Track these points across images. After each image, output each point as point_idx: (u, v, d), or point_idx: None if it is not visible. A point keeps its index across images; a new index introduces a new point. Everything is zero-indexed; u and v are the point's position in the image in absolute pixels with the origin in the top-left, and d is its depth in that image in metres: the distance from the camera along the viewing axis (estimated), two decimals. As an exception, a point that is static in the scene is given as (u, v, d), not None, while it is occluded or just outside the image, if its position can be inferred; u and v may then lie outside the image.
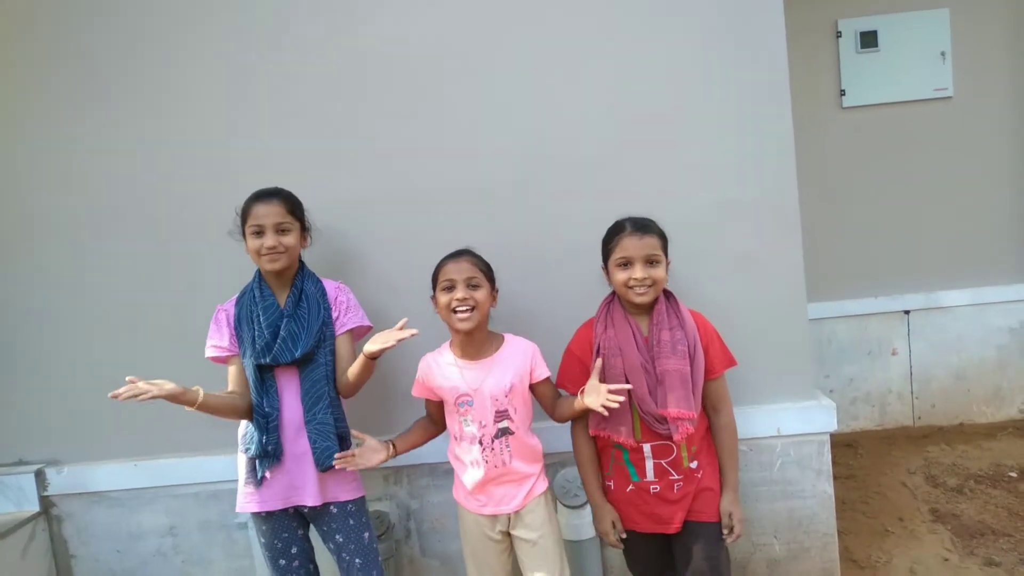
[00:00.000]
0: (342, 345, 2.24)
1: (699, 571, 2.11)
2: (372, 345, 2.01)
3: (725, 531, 2.11)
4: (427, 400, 2.24)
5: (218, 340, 2.20)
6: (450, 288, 2.07)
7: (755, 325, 2.52)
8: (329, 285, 2.27)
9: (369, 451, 2.11)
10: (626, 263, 2.08)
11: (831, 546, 2.63)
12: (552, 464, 2.26)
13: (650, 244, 2.07)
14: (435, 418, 2.26)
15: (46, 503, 2.76)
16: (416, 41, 2.55)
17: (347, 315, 2.25)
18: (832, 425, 2.55)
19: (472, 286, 2.06)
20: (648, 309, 2.14)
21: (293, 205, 2.20)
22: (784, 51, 2.49)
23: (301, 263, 2.26)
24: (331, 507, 2.18)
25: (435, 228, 2.55)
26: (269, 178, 2.30)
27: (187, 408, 1.99)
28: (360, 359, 2.09)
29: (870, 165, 4.20)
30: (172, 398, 1.94)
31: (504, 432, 2.09)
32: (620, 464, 2.16)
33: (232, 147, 2.61)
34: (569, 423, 2.24)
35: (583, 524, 2.48)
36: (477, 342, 2.13)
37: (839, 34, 4.16)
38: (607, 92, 2.53)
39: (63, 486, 2.74)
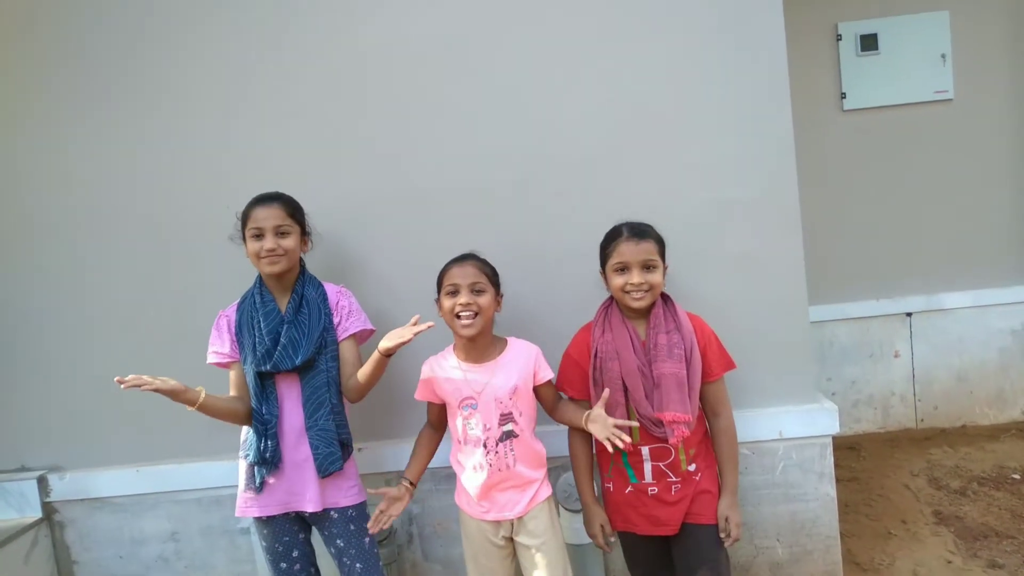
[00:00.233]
0: (346, 350, 2.23)
1: (698, 573, 2.11)
2: (387, 341, 1.98)
3: (723, 535, 2.11)
4: (429, 404, 2.24)
5: (219, 346, 2.20)
6: (454, 293, 2.06)
7: (756, 327, 2.52)
8: (330, 289, 2.26)
9: (393, 502, 2.11)
10: (623, 268, 2.09)
11: (834, 549, 2.62)
12: (554, 468, 2.26)
13: (647, 249, 2.08)
14: (436, 423, 2.25)
15: (48, 509, 2.76)
16: (416, 41, 2.56)
17: (349, 319, 2.25)
18: (834, 428, 2.54)
19: (476, 291, 2.06)
20: (645, 313, 2.15)
21: (293, 208, 2.20)
22: (784, 51, 2.49)
23: (302, 267, 2.26)
24: (332, 512, 2.18)
25: (436, 229, 2.56)
26: (269, 179, 2.31)
27: (188, 408, 1.98)
28: (374, 357, 2.06)
29: (871, 167, 4.20)
30: (173, 394, 1.93)
31: (508, 435, 2.08)
32: (619, 466, 2.17)
33: (232, 148, 2.62)
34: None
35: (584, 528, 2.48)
36: (481, 346, 2.13)
37: (839, 37, 4.16)
38: (607, 92, 2.54)
39: (65, 492, 2.74)
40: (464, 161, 2.57)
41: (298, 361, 2.11)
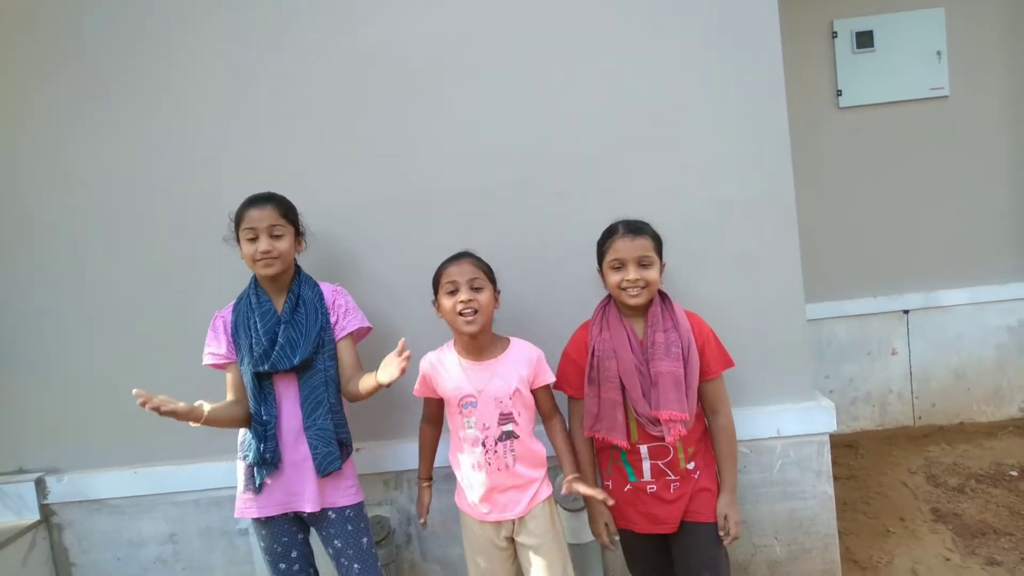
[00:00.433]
0: (344, 349, 2.23)
1: (697, 571, 2.12)
2: (385, 377, 1.95)
3: (721, 533, 2.11)
4: (426, 400, 2.24)
5: (215, 348, 2.20)
6: (453, 291, 2.07)
7: (753, 325, 2.52)
8: (326, 288, 2.26)
9: (427, 495, 2.31)
10: (619, 265, 2.10)
11: (832, 547, 2.62)
12: (554, 468, 2.25)
13: (642, 246, 2.09)
14: (433, 418, 2.26)
15: (46, 511, 2.76)
16: (415, 41, 2.56)
17: (346, 319, 2.25)
18: (832, 426, 2.55)
19: (475, 288, 2.07)
20: (643, 311, 2.15)
21: (287, 209, 2.20)
22: (779, 51, 2.49)
23: (297, 267, 2.26)
24: (329, 512, 2.18)
25: (435, 229, 2.56)
26: (268, 179, 2.30)
27: (192, 424, 1.95)
28: (373, 383, 2.02)
29: (867, 165, 4.20)
30: (178, 416, 1.89)
31: (508, 435, 2.08)
32: (618, 464, 2.18)
33: (232, 148, 2.62)
34: (568, 427, 2.26)
35: (583, 527, 2.47)
36: (482, 344, 2.13)
37: (835, 34, 4.16)
38: (606, 92, 2.54)
39: (63, 494, 2.74)
40: (463, 161, 2.57)
41: (296, 361, 2.11)
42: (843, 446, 4.06)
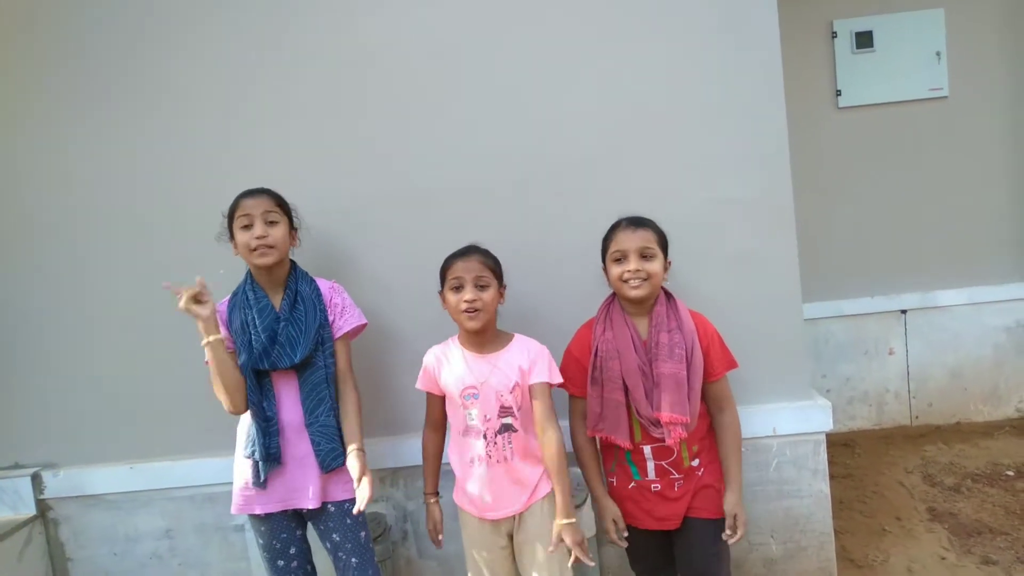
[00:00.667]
0: (338, 350, 2.24)
1: (698, 567, 2.13)
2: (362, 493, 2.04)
3: (729, 531, 2.09)
4: (429, 400, 2.22)
5: None
6: (459, 288, 2.06)
7: (750, 325, 2.52)
8: (323, 285, 2.26)
9: (437, 512, 2.23)
10: (620, 257, 2.09)
11: (828, 545, 2.63)
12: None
13: (644, 237, 2.08)
14: (437, 421, 2.23)
15: (42, 506, 2.76)
16: (415, 41, 2.55)
17: (343, 317, 2.25)
18: (828, 424, 2.55)
19: (480, 286, 2.06)
20: (647, 310, 2.14)
21: (280, 200, 2.20)
22: (778, 51, 2.49)
23: (293, 263, 2.26)
24: (328, 506, 2.17)
25: (434, 228, 2.55)
26: (266, 178, 2.28)
27: (205, 338, 1.99)
28: (356, 466, 2.10)
29: (866, 165, 4.21)
30: (200, 316, 1.97)
31: (507, 428, 2.08)
32: (623, 464, 2.18)
33: (231, 147, 2.61)
34: (569, 426, 2.26)
35: (580, 524, 2.48)
36: (485, 338, 2.13)
37: (835, 34, 4.17)
38: (605, 92, 2.53)
39: (59, 489, 2.73)
40: (463, 160, 2.57)
41: (297, 359, 2.11)
42: (840, 445, 4.07)
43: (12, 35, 2.65)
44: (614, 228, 2.15)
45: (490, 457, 2.07)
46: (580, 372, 2.19)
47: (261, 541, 2.19)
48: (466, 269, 2.07)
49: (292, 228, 2.23)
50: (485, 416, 2.07)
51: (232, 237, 2.17)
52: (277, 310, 2.16)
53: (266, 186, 2.22)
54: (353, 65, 2.57)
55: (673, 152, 2.53)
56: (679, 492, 2.13)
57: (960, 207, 4.20)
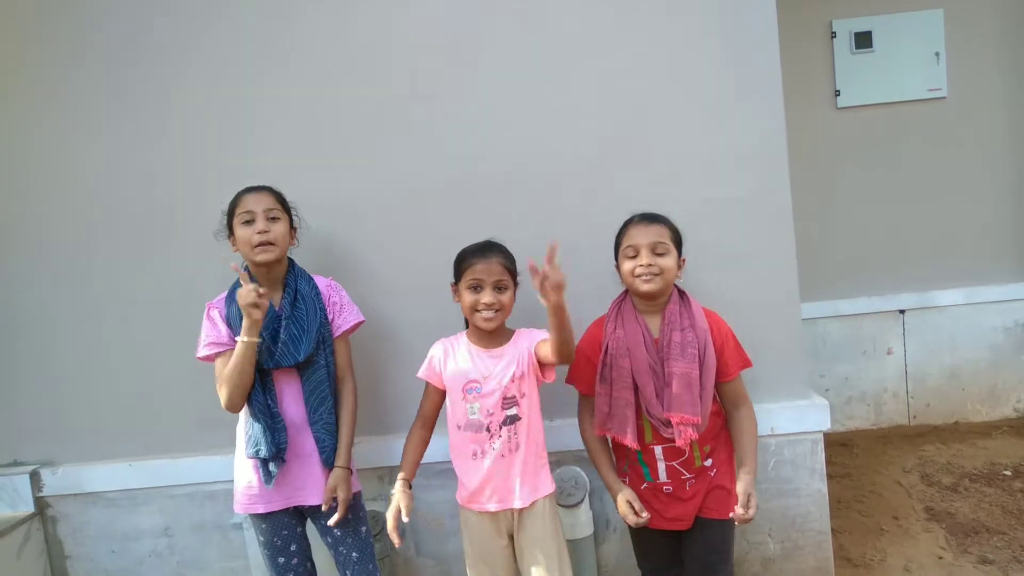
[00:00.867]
0: (340, 347, 2.25)
1: (707, 566, 2.12)
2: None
3: (741, 509, 1.99)
4: (426, 393, 2.21)
5: (216, 336, 2.13)
6: (477, 288, 2.06)
7: (748, 324, 2.50)
8: (320, 282, 2.26)
9: (406, 499, 2.07)
10: (633, 253, 2.06)
11: (825, 544, 2.63)
12: (556, 462, 2.25)
13: (656, 232, 2.05)
14: (429, 416, 2.22)
15: (41, 504, 2.76)
16: (410, 38, 2.56)
17: (342, 316, 2.26)
18: (825, 424, 2.55)
19: (499, 289, 2.06)
20: (659, 308, 2.11)
21: (281, 197, 2.21)
22: (777, 50, 2.49)
23: (291, 262, 2.26)
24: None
25: (431, 226, 2.56)
26: (265, 176, 2.29)
27: (245, 337, 2.00)
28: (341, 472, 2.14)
29: (864, 165, 4.21)
30: (252, 317, 1.98)
31: (512, 419, 2.07)
32: (635, 465, 2.15)
33: (229, 144, 2.61)
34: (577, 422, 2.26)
35: (578, 523, 2.49)
36: (494, 335, 2.14)
37: (834, 34, 4.17)
38: (603, 91, 2.53)
39: (58, 487, 2.74)
40: (461, 158, 2.57)
41: (301, 357, 2.11)
42: (838, 445, 4.07)
43: (11, 34, 2.65)
44: (627, 224, 2.13)
45: (493, 450, 2.06)
46: (590, 369, 2.16)
47: (262, 538, 2.19)
48: (487, 271, 2.05)
49: (292, 227, 2.23)
50: (487, 411, 2.07)
51: (231, 233, 2.17)
52: (277, 309, 2.16)
53: (264, 183, 2.22)
54: (351, 63, 2.57)
55: (671, 151, 2.53)
56: (691, 492, 2.11)
57: (958, 207, 4.21)
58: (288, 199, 2.24)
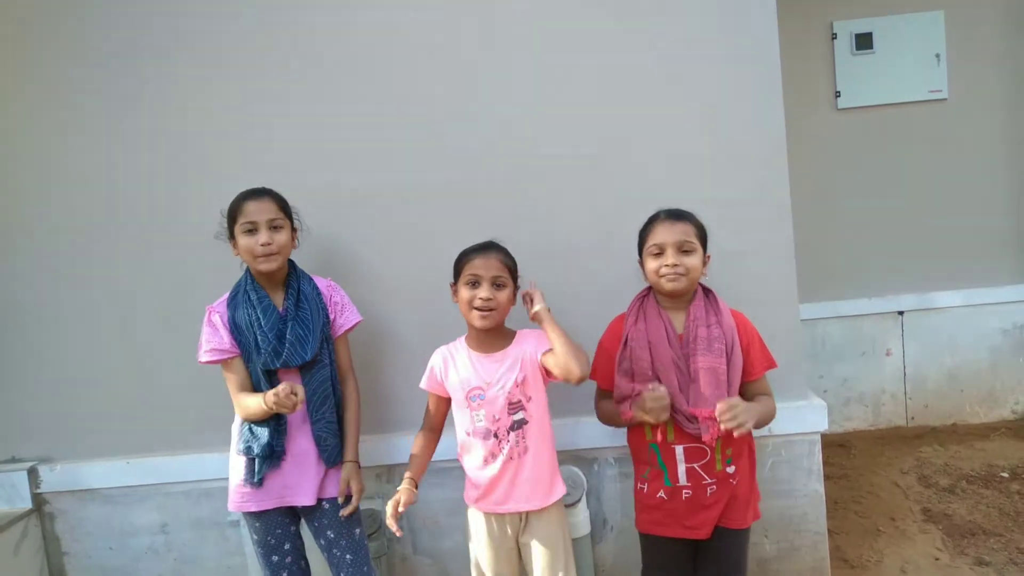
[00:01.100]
0: (341, 346, 2.27)
1: (720, 573, 2.10)
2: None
3: (723, 408, 1.86)
4: (430, 401, 2.21)
5: (217, 343, 2.13)
6: (475, 284, 2.04)
7: (747, 325, 2.52)
8: (320, 283, 2.26)
9: (408, 495, 2.04)
10: (658, 251, 2.02)
11: (821, 545, 2.63)
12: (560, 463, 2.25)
13: (683, 230, 2.02)
14: (435, 424, 2.22)
15: (39, 500, 2.76)
16: (408, 37, 2.55)
17: (343, 315, 2.27)
18: (823, 425, 2.55)
19: (497, 286, 2.05)
20: (684, 305, 2.08)
21: (283, 202, 2.20)
22: (777, 51, 2.49)
23: (292, 263, 2.26)
24: (323, 503, 2.18)
25: (430, 226, 2.56)
26: (264, 176, 2.29)
27: (267, 408, 1.99)
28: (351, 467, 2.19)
29: (865, 166, 4.21)
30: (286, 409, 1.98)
31: (520, 424, 2.05)
32: (654, 467, 2.08)
33: (228, 145, 2.61)
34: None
35: (575, 523, 2.49)
36: (493, 337, 2.12)
37: (834, 36, 4.17)
38: (603, 91, 2.53)
39: (56, 483, 2.74)
40: (459, 158, 2.57)
41: (308, 356, 2.11)
42: (836, 446, 4.07)
43: (10, 34, 2.65)
44: (652, 221, 2.09)
45: (501, 454, 2.04)
46: (610, 365, 2.13)
47: (256, 537, 2.20)
48: (485, 267, 2.04)
49: (293, 229, 2.23)
50: (493, 417, 2.05)
51: (232, 236, 2.16)
52: (280, 310, 2.16)
53: (262, 183, 2.22)
54: (351, 63, 2.57)
55: (671, 151, 2.53)
56: (711, 499, 2.03)
57: (958, 209, 4.21)
58: (289, 201, 2.23)
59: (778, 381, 2.55)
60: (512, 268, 2.11)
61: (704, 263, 2.06)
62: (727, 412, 1.85)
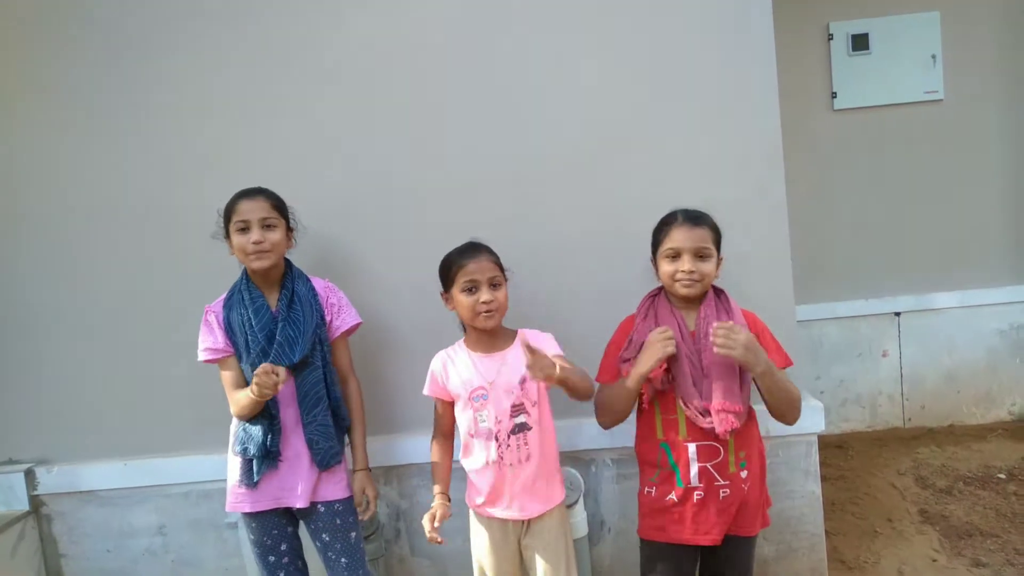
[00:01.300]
0: (338, 349, 2.26)
1: None
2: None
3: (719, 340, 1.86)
4: (437, 406, 2.20)
5: (212, 343, 2.15)
6: (472, 289, 2.04)
7: (744, 326, 2.52)
8: (317, 284, 2.26)
9: (443, 509, 2.04)
10: (674, 255, 2.00)
11: (819, 546, 2.64)
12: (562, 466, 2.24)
13: (700, 236, 1.99)
14: (446, 430, 2.21)
15: (36, 502, 2.76)
16: (408, 37, 2.56)
17: (340, 317, 2.26)
18: (820, 426, 2.56)
19: (494, 286, 2.05)
20: (696, 302, 2.06)
21: (278, 201, 2.20)
22: (773, 52, 2.50)
23: (289, 263, 2.26)
24: (319, 506, 2.18)
25: (429, 227, 2.56)
26: (263, 177, 2.29)
27: (254, 397, 1.99)
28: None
29: (861, 167, 4.22)
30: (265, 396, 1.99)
31: (521, 428, 2.04)
32: (665, 468, 2.04)
33: (226, 145, 2.61)
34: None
35: (574, 523, 2.48)
36: (493, 337, 2.12)
37: (831, 36, 4.18)
38: (600, 92, 2.54)
39: (53, 485, 2.73)
40: (457, 160, 2.57)
41: (295, 358, 2.11)
42: (833, 447, 4.08)
43: (11, 34, 2.65)
44: (669, 222, 2.04)
45: (503, 459, 2.03)
46: (616, 361, 2.10)
47: (252, 537, 2.20)
48: (479, 270, 2.03)
49: (289, 229, 2.23)
50: (496, 418, 2.04)
51: (228, 236, 2.17)
52: (273, 310, 2.16)
53: (260, 183, 2.22)
54: (352, 63, 2.58)
55: (668, 152, 2.54)
56: (724, 503, 1.99)
57: (954, 210, 4.22)
58: (285, 200, 2.23)
59: (775, 382, 2.56)
60: (501, 265, 2.12)
61: (717, 265, 2.05)
62: (723, 328, 1.85)
